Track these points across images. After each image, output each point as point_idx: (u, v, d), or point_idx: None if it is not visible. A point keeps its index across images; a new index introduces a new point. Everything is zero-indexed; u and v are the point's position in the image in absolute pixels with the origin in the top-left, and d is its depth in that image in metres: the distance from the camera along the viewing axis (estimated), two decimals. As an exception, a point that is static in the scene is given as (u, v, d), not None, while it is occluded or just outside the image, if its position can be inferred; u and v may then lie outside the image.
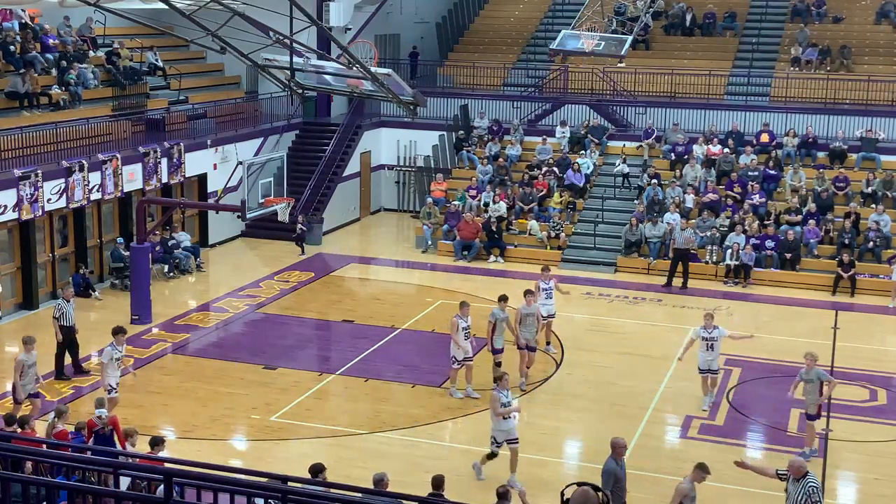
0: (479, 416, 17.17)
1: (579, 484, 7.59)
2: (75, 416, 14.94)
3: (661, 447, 16.35)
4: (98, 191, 23.62)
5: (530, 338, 18.37)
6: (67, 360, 18.73)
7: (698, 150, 29.44)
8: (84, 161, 23.15)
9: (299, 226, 27.80)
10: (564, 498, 7.55)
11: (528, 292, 18.65)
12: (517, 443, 14.80)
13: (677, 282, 25.36)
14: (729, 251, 25.89)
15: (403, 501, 8.73)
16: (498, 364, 17.94)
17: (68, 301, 18.69)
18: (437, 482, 12.17)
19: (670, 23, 36.67)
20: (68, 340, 18.60)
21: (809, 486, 11.66)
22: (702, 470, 12.11)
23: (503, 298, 18.39)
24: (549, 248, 27.60)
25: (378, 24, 34.84)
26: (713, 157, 29.18)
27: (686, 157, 29.56)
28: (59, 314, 18.53)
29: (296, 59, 16.83)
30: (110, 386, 16.34)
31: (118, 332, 16.57)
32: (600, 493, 7.55)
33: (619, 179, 29.43)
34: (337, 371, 19.41)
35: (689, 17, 36.31)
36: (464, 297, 22.57)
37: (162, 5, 14.87)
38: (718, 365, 17.76)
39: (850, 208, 27.00)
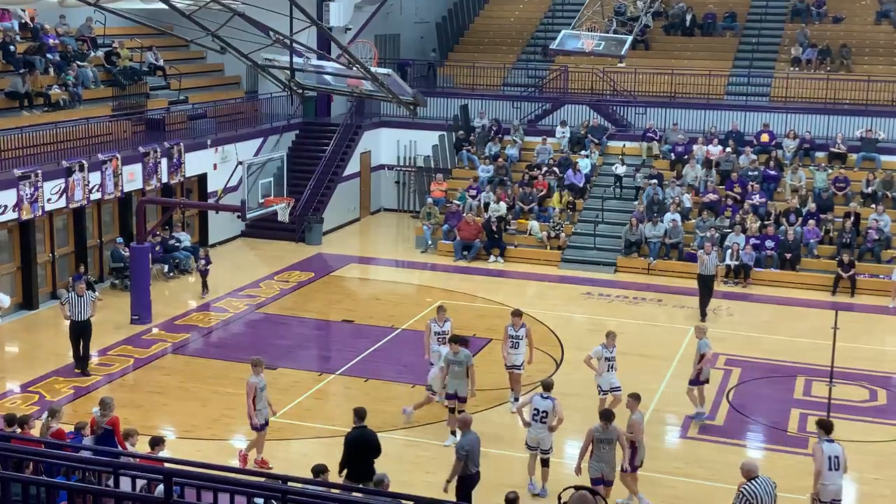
0: (479, 416, 17.14)
1: (577, 488, 7.59)
2: (75, 417, 14.93)
3: (661, 447, 16.33)
4: (98, 191, 23.62)
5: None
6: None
7: (698, 150, 29.44)
8: (84, 161, 23.15)
9: (202, 260, 24.33)
10: (562, 501, 7.56)
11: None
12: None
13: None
14: (729, 251, 25.88)
15: (403, 501, 8.72)
16: (454, 411, 16.03)
17: (80, 296, 18.80)
18: (361, 414, 12.93)
19: (670, 23, 36.68)
20: (76, 332, 18.74)
21: (744, 488, 11.57)
22: (632, 398, 14.14)
23: (455, 340, 16.21)
24: (549, 248, 27.60)
25: (378, 24, 34.82)
26: (711, 158, 29.17)
27: (686, 157, 29.57)
28: (64, 301, 19.16)
29: (296, 59, 16.81)
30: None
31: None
32: (598, 498, 7.56)
33: (615, 180, 29.44)
34: (337, 371, 19.41)
35: (689, 17, 36.31)
36: (463, 296, 22.64)
37: (162, 5, 14.87)
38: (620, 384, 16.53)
39: (850, 208, 27.01)
